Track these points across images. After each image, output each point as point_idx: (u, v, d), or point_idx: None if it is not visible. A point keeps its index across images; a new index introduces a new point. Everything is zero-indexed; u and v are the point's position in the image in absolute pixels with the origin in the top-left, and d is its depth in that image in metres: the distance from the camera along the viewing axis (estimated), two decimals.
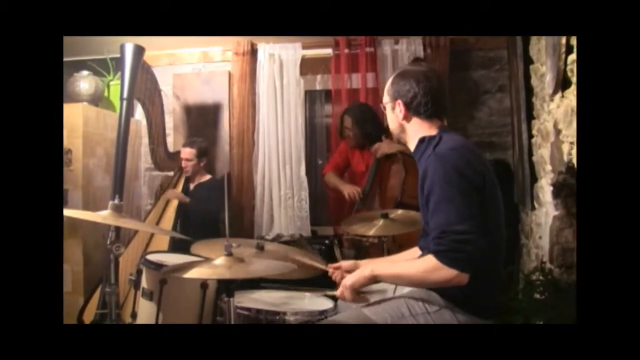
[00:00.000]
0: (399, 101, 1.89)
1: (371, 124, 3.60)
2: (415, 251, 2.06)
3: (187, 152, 3.96)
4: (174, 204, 3.90)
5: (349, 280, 1.82)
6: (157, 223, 3.82)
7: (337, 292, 1.89)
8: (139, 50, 3.31)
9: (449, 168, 1.69)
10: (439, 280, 1.66)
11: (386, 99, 1.97)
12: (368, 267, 1.84)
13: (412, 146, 1.92)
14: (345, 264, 2.11)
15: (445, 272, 1.63)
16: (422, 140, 1.86)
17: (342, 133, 3.75)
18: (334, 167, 3.83)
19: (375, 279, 1.82)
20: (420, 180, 1.78)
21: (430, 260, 1.65)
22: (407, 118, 1.89)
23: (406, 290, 1.94)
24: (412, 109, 1.87)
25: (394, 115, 1.93)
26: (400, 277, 1.80)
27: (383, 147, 3.44)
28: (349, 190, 3.56)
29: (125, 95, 3.30)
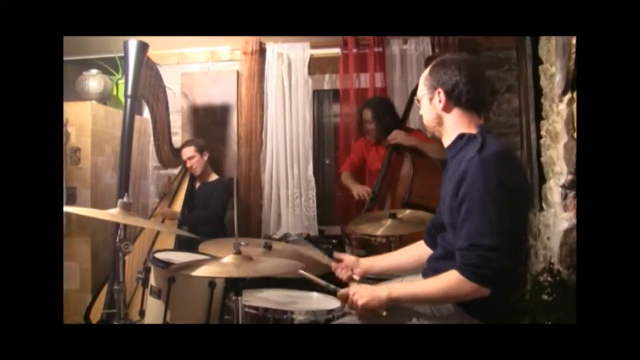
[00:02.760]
0: (439, 90, 1.79)
1: (390, 116, 3.58)
2: (419, 246, 2.06)
3: (187, 151, 3.96)
4: (179, 202, 3.92)
5: (361, 299, 1.73)
6: (163, 221, 3.84)
7: (340, 293, 1.85)
8: (143, 47, 3.29)
9: (492, 177, 1.61)
10: (460, 295, 1.63)
11: (422, 91, 1.87)
12: (384, 288, 1.75)
13: (447, 141, 1.83)
14: (347, 258, 2.11)
15: (468, 287, 1.59)
16: (460, 137, 1.78)
17: (360, 127, 3.71)
18: (350, 166, 3.81)
19: (392, 302, 1.72)
20: (457, 181, 1.68)
21: (453, 275, 1.62)
22: (447, 108, 1.80)
23: None
24: (453, 98, 1.78)
25: (431, 106, 1.83)
26: (420, 297, 1.72)
27: (400, 137, 3.42)
28: (358, 190, 3.56)
29: (129, 92, 3.29)
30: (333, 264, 2.13)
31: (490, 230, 1.58)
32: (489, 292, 1.59)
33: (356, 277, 2.06)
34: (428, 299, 1.72)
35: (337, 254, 2.15)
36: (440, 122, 1.84)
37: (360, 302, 1.73)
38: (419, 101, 1.91)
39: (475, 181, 1.62)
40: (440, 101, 1.80)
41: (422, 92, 1.87)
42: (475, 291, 1.59)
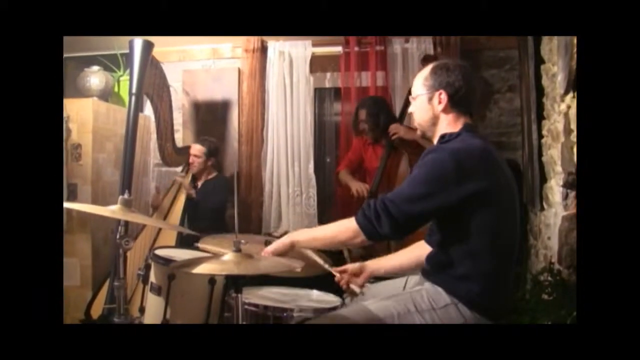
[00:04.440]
0: (442, 91, 1.83)
1: (385, 116, 3.58)
2: (419, 245, 2.07)
3: (197, 149, 3.99)
4: (182, 199, 3.93)
5: (270, 247, 1.91)
6: (165, 218, 3.84)
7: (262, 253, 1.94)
8: (148, 46, 3.31)
9: (437, 160, 1.70)
10: (346, 238, 1.79)
11: (420, 90, 1.89)
12: (288, 236, 1.94)
13: (437, 141, 1.88)
14: (351, 267, 2.09)
15: (352, 229, 1.75)
16: (442, 136, 1.84)
17: (356, 127, 3.71)
18: (348, 164, 3.81)
19: (294, 245, 1.90)
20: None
21: (348, 219, 1.77)
22: (446, 110, 1.84)
23: (414, 281, 1.95)
24: (454, 101, 1.83)
25: (429, 106, 1.87)
26: (315, 239, 1.90)
27: (401, 130, 3.42)
28: (356, 186, 3.56)
29: (134, 90, 3.30)
30: (337, 277, 2.08)
31: (400, 192, 1.72)
32: (367, 242, 1.79)
33: (357, 289, 2.03)
34: (321, 239, 1.89)
35: (339, 268, 2.10)
36: (435, 122, 1.88)
37: (269, 249, 1.91)
38: (414, 99, 1.93)
39: (424, 159, 1.74)
40: (440, 102, 1.84)
41: (420, 91, 1.89)
42: (356, 235, 1.74)
